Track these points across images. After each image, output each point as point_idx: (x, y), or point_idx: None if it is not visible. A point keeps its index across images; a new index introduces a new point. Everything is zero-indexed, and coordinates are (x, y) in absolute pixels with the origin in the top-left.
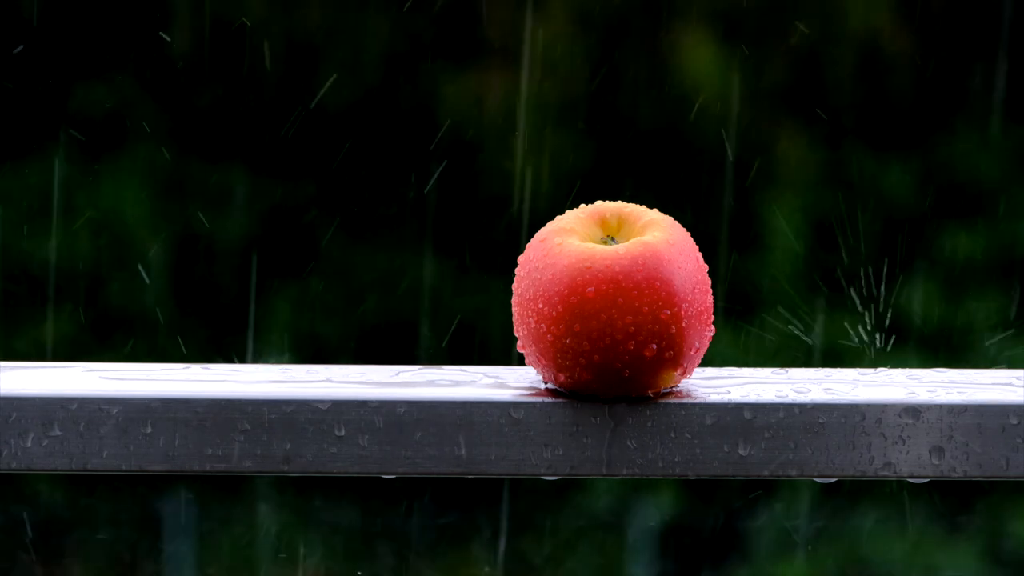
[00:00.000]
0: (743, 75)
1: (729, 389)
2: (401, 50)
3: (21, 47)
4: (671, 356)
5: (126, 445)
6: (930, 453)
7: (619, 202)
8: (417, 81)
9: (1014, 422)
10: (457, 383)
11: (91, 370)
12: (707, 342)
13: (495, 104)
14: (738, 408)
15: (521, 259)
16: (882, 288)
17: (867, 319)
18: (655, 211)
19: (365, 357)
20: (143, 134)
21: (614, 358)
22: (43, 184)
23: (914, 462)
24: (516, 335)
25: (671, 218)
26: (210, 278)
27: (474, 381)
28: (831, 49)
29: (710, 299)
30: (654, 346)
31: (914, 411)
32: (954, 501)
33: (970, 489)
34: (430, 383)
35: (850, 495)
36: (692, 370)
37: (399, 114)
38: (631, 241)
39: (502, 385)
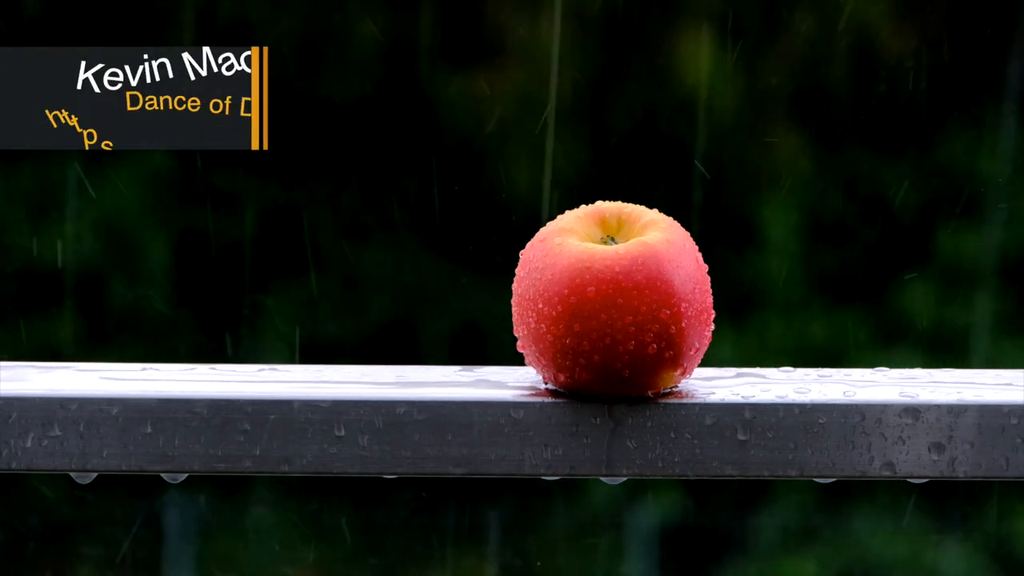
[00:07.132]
0: (743, 75)
1: (729, 389)
2: (402, 49)
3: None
4: (671, 356)
5: (126, 445)
6: (930, 453)
7: (619, 202)
8: (418, 81)
9: (1014, 422)
10: (457, 383)
11: (91, 370)
12: (707, 342)
13: (496, 104)
14: (738, 408)
15: (521, 259)
16: (882, 288)
17: (866, 319)
18: (655, 211)
19: (366, 357)
20: None
21: (614, 358)
22: (44, 183)
23: (914, 462)
24: (516, 335)
25: (671, 218)
26: (211, 278)
27: (474, 381)
28: (830, 48)
29: (710, 299)
30: (654, 346)
31: (914, 411)
32: (954, 501)
33: (970, 489)
34: (430, 383)
35: (850, 495)
36: (692, 370)
37: (400, 113)
38: (631, 241)
39: (502, 385)
